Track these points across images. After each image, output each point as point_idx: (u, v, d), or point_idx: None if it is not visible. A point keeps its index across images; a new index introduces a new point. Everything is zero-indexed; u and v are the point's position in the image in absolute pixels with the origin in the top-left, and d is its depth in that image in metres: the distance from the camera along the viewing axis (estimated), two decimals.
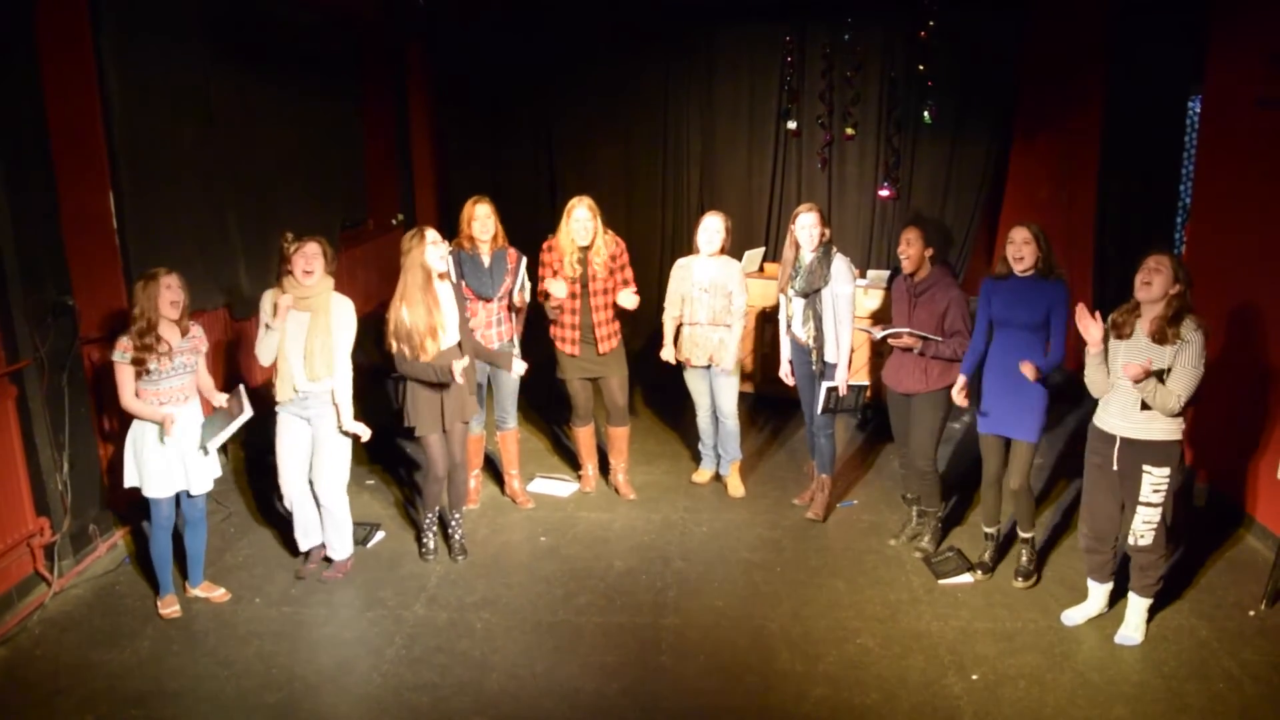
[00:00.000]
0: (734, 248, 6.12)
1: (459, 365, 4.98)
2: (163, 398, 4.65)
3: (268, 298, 4.93)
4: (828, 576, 5.22)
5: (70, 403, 5.03)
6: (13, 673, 4.40)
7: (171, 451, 4.69)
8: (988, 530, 5.22)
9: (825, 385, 5.46)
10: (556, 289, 5.63)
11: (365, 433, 5.06)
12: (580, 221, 5.63)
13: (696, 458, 6.55)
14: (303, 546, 5.28)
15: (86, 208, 5.19)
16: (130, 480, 4.75)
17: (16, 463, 4.88)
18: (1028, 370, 4.62)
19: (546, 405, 7.34)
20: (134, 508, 5.27)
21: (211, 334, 5.02)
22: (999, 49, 8.06)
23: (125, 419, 4.75)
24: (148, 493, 4.72)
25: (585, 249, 5.68)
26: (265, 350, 4.92)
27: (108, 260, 5.34)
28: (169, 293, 4.58)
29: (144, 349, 4.55)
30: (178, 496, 4.82)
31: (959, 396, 5.03)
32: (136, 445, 4.70)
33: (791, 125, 8.46)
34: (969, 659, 4.45)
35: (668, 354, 6.06)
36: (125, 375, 4.58)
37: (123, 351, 4.56)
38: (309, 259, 4.87)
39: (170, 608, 4.85)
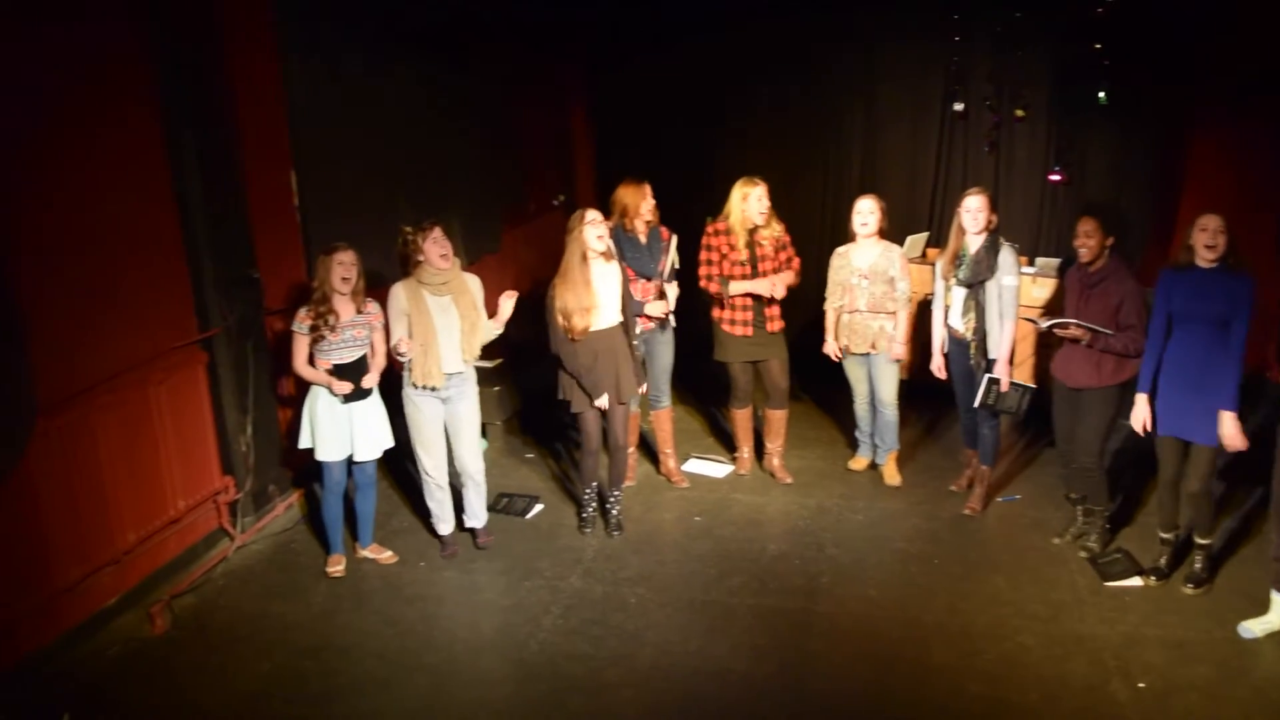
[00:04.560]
0: (896, 233, 5.97)
1: (602, 400, 5.18)
2: (329, 367, 4.88)
3: (399, 291, 4.94)
4: (987, 571, 5.07)
5: (254, 370, 5.33)
6: (199, 619, 4.73)
7: (343, 417, 4.92)
8: (1164, 535, 4.94)
9: (987, 376, 5.30)
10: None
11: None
12: (760, 202, 5.61)
13: (852, 444, 6.44)
14: (444, 532, 5.35)
15: (271, 187, 5.49)
16: (305, 442, 5.00)
17: (206, 424, 5.23)
18: None
19: (699, 387, 7.35)
20: (308, 470, 5.55)
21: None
22: (1181, 26, 7.61)
23: (303, 386, 5.01)
24: (320, 456, 4.96)
25: (758, 229, 5.67)
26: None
27: (290, 237, 5.64)
28: (340, 268, 4.79)
29: (319, 319, 4.78)
30: (349, 462, 5.04)
31: (1138, 425, 4.77)
32: (312, 410, 4.94)
33: (958, 107, 8.20)
34: (1136, 666, 4.25)
35: (830, 348, 5.97)
36: (300, 344, 4.83)
37: (300, 322, 4.81)
38: (442, 243, 4.92)
39: (335, 566, 5.09)
